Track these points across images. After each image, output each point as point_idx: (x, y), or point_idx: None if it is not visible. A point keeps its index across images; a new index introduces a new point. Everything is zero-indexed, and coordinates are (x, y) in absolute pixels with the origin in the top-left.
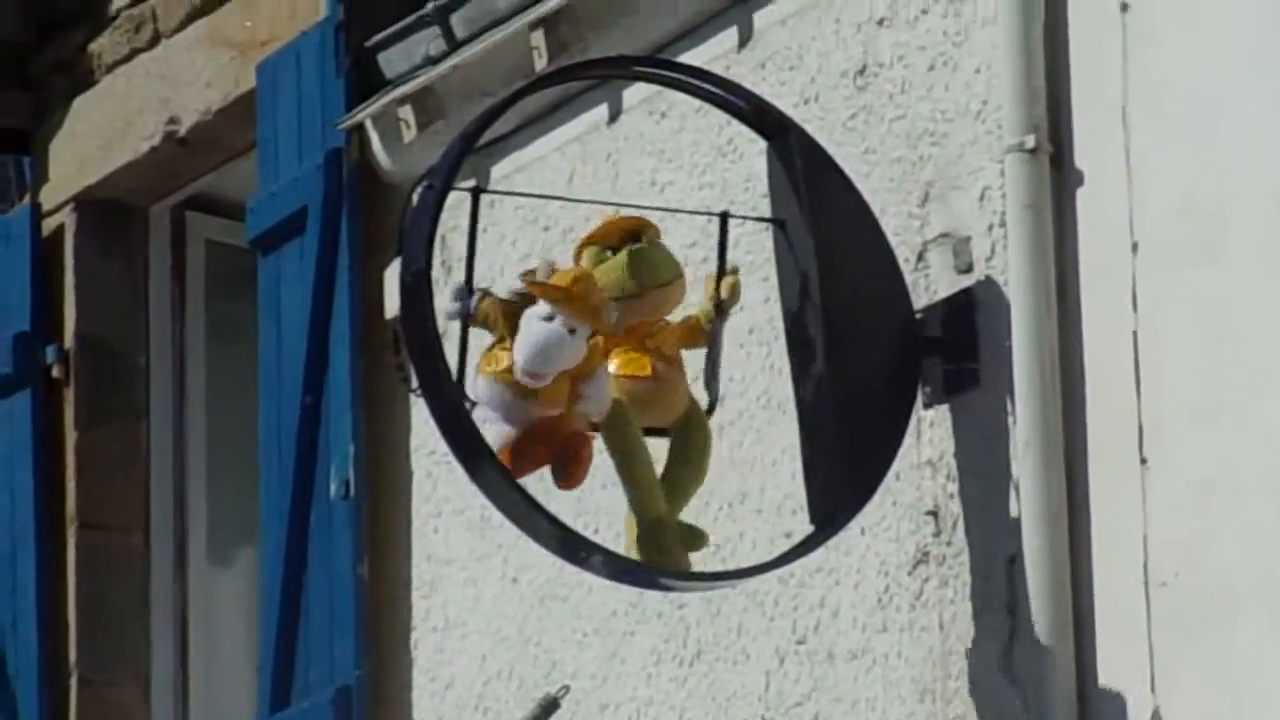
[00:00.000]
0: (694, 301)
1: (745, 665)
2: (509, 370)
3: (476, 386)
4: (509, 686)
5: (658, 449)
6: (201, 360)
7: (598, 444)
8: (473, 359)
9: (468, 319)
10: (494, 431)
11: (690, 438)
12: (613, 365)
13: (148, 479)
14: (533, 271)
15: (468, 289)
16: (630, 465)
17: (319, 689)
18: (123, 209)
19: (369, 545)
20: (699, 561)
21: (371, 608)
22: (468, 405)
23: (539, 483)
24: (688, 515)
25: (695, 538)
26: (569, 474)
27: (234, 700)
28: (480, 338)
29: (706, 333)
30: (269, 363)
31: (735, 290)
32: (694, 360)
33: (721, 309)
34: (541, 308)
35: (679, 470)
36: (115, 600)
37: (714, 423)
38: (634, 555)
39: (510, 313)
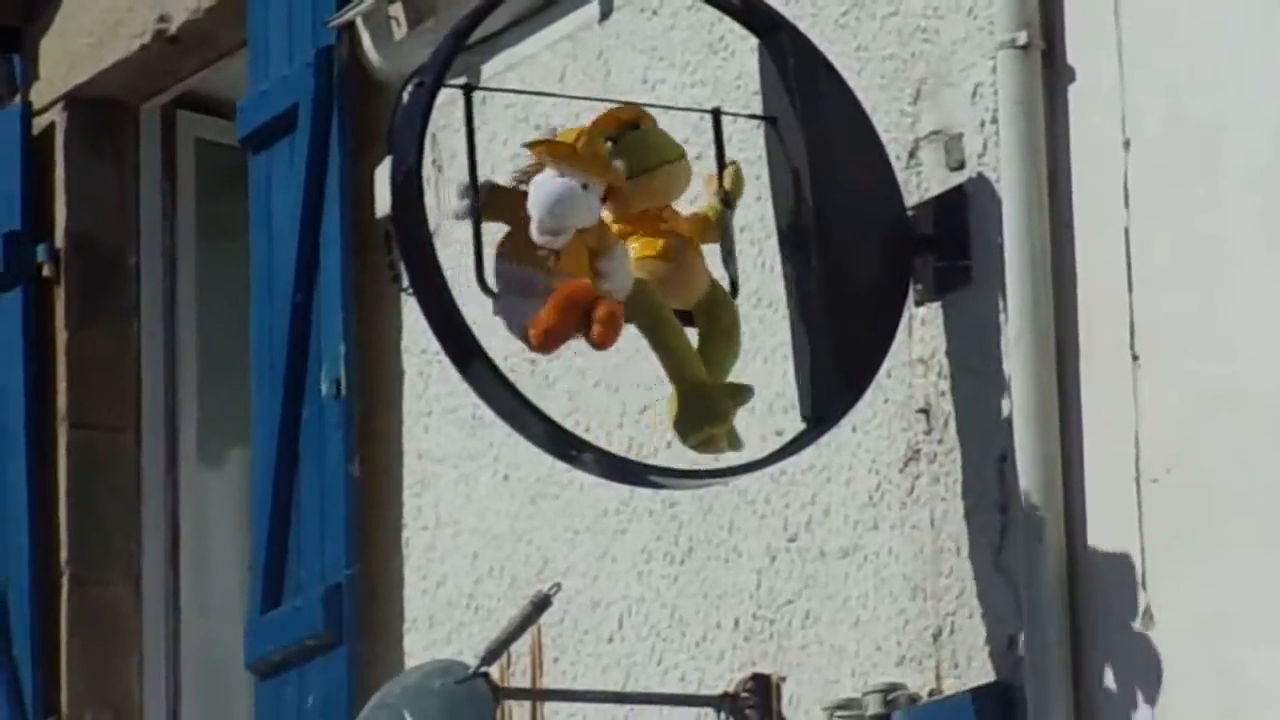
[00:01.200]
0: (696, 196)
1: (737, 563)
2: (526, 246)
3: (497, 276)
4: (500, 584)
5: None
6: (192, 259)
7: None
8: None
9: (478, 214)
10: (521, 311)
11: (718, 316)
12: (630, 249)
13: (139, 378)
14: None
15: (472, 185)
16: (662, 335)
17: (310, 588)
18: (113, 107)
19: (360, 444)
20: (690, 459)
21: (362, 506)
22: (493, 295)
23: (530, 380)
24: None
25: (742, 393)
26: (602, 329)
27: (225, 599)
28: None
29: (716, 226)
30: (260, 262)
31: (738, 179)
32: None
33: (728, 200)
34: (550, 171)
35: (711, 348)
36: (106, 500)
37: None
38: (682, 426)
39: (517, 199)
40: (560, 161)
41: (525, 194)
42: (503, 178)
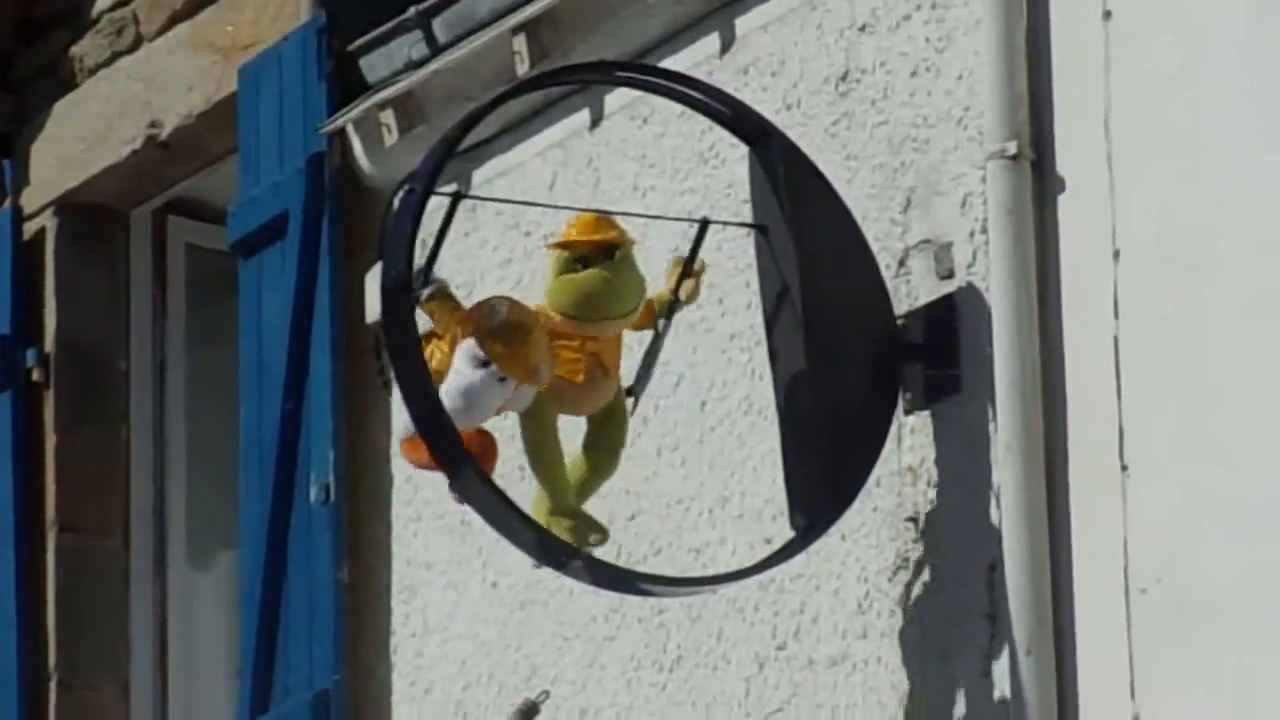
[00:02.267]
0: (655, 283)
1: (725, 671)
2: (436, 371)
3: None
4: (489, 691)
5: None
6: (182, 364)
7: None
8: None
9: (414, 303)
10: (404, 421)
11: (607, 430)
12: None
13: (128, 483)
14: (488, 305)
15: (425, 275)
16: (541, 458)
17: (298, 693)
18: (104, 213)
19: (349, 550)
20: (679, 567)
21: (351, 612)
22: (383, 384)
23: (519, 486)
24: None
25: (597, 530)
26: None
27: (213, 704)
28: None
29: (655, 323)
30: (249, 367)
31: (692, 293)
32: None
33: (673, 308)
34: (478, 350)
35: (591, 459)
36: (95, 604)
37: (695, 427)
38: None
39: (459, 319)
40: (492, 353)
41: (461, 317)
42: (487, 290)
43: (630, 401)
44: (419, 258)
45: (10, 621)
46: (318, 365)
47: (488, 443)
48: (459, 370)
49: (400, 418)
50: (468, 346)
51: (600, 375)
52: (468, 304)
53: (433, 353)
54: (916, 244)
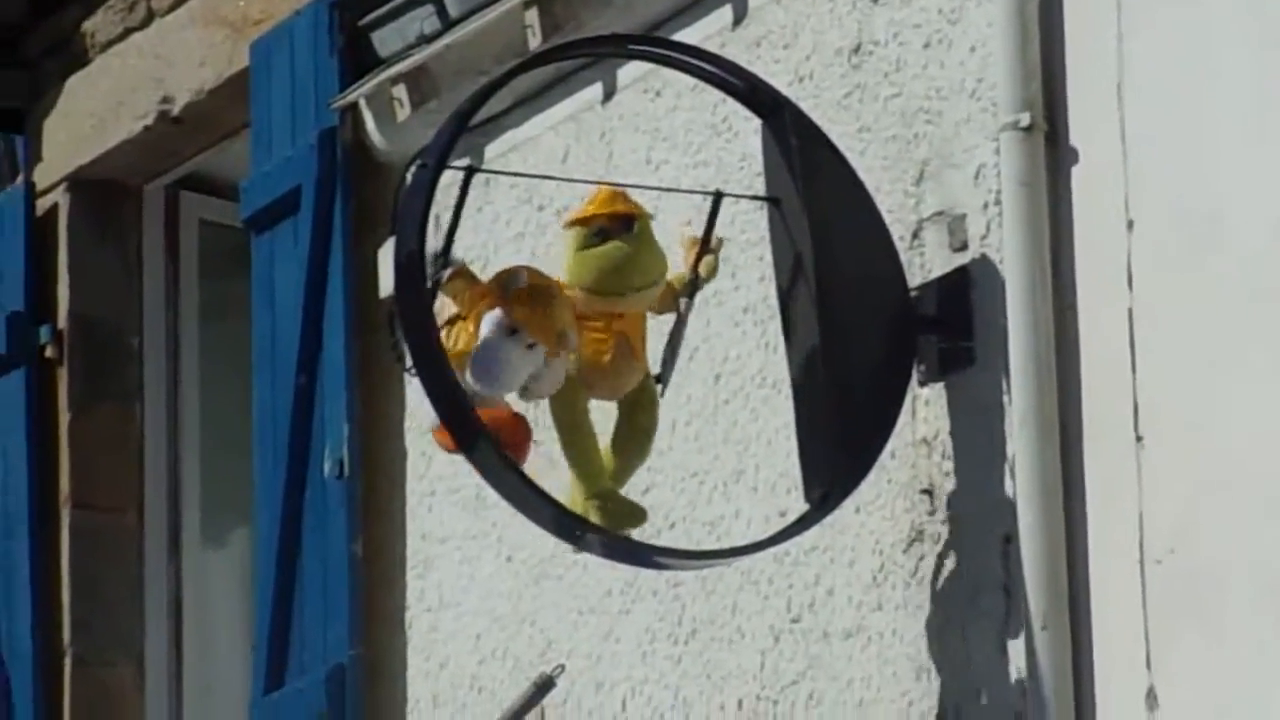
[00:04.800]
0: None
1: (740, 644)
2: (462, 353)
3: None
4: (504, 665)
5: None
6: (195, 340)
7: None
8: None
9: (435, 286)
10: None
11: (638, 415)
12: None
13: (141, 459)
14: (509, 273)
15: (444, 259)
16: (574, 441)
17: (313, 668)
18: (116, 188)
19: (363, 524)
20: (694, 540)
21: (366, 587)
22: (397, 358)
23: (533, 460)
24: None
25: (635, 515)
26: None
27: (228, 680)
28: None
29: (676, 305)
30: (263, 342)
31: (712, 270)
32: (664, 325)
33: (695, 286)
34: (504, 318)
35: (623, 446)
36: (109, 581)
37: (710, 401)
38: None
39: (480, 294)
40: (518, 317)
41: (483, 291)
42: (501, 263)
43: (660, 387)
44: (432, 233)
45: (25, 599)
46: (331, 340)
47: (521, 427)
48: (485, 339)
49: (427, 407)
50: (493, 316)
51: (627, 356)
52: (485, 280)
53: (458, 335)
54: (930, 216)
